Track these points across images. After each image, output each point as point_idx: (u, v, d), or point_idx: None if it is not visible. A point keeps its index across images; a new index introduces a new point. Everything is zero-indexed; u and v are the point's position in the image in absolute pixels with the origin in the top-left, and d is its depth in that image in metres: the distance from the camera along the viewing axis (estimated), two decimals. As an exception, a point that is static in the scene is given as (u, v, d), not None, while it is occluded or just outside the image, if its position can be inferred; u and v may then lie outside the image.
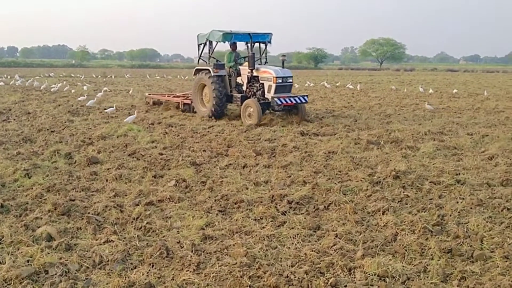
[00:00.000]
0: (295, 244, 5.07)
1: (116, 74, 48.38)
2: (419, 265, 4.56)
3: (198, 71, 14.75)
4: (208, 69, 14.19)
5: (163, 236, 5.32)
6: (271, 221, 5.77)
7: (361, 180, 7.42)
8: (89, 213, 5.92)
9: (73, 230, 5.44)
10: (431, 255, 4.79)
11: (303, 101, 13.53)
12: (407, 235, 5.30)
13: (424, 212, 6.07)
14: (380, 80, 39.88)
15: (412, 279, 4.27)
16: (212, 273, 4.33)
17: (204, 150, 9.73)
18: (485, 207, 6.25)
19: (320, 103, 20.08)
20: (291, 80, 13.66)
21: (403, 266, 4.48)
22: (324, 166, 8.47)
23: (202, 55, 15.44)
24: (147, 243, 5.11)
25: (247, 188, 7.07)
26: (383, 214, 5.97)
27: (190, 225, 5.59)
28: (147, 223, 5.64)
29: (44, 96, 21.27)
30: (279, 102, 13.03)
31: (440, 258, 4.70)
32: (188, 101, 15.80)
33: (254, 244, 5.04)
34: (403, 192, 6.84)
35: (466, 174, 7.90)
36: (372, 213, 6.09)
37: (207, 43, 14.75)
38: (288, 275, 4.29)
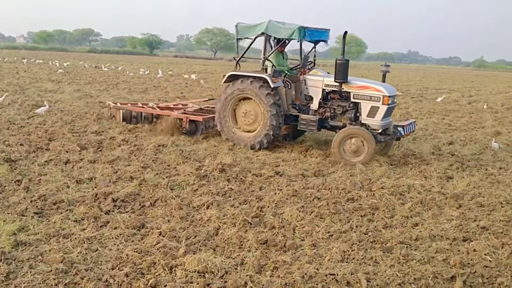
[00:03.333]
0: (117, 245, 4.98)
1: None
2: (237, 258, 4.81)
3: (235, 77, 9.96)
4: (262, 78, 9.55)
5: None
6: (93, 222, 5.56)
7: (189, 174, 7.54)
8: None
9: None
10: (249, 247, 5.09)
11: (413, 129, 9.99)
12: (229, 228, 5.56)
13: (246, 204, 6.42)
14: (213, 70, 40.75)
15: (230, 273, 4.49)
16: (24, 283, 4.05)
17: (21, 144, 8.92)
18: (299, 197, 6.83)
19: (153, 92, 19.82)
20: (396, 100, 9.79)
21: (222, 260, 4.69)
22: (153, 160, 8.42)
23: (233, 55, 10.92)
24: None
25: (68, 187, 6.69)
26: (207, 208, 6.16)
27: (0, 230, 5.12)
28: None
29: None
30: (403, 132, 9.29)
31: (256, 249, 5.03)
32: (199, 118, 10.75)
33: (73, 248, 4.82)
34: (228, 185, 7.15)
35: (284, 166, 8.54)
36: (197, 207, 6.25)
37: (262, 38, 9.87)
38: (108, 279, 4.21)
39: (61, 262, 4.44)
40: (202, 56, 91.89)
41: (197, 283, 4.22)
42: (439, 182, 7.87)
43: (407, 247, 5.26)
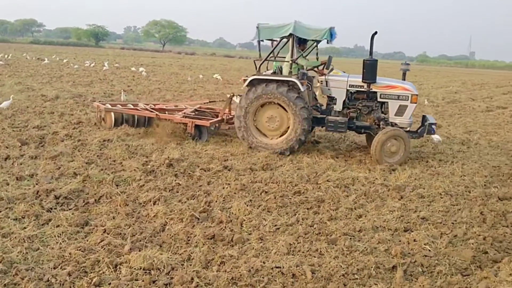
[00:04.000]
0: (60, 244, 4.84)
1: None
2: (184, 254, 4.80)
3: (259, 82, 9.32)
4: (290, 81, 9.16)
5: None
6: (34, 220, 5.38)
7: (135, 169, 7.42)
8: None
9: None
10: (196, 242, 5.08)
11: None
12: (176, 224, 5.53)
13: (193, 199, 6.39)
14: (162, 63, 40.18)
15: (176, 269, 4.47)
16: (-41, 287, 3.87)
17: (-44, 140, 8.51)
18: (247, 191, 6.87)
19: (99, 85, 19.32)
20: None
21: (169, 257, 4.66)
22: (97, 155, 8.22)
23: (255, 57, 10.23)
24: None
25: (8, 184, 6.44)
26: (154, 204, 6.10)
27: None
28: None
29: None
30: (434, 129, 9.54)
31: (204, 244, 5.02)
32: (205, 123, 10.01)
33: (12, 247, 4.66)
34: (175, 181, 7.09)
35: (233, 160, 8.55)
36: (144, 203, 6.17)
37: (287, 40, 9.52)
38: (49, 278, 4.10)
39: (0, 262, 4.28)
40: (150, 49, 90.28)
41: (142, 280, 4.18)
42: (382, 174, 8.12)
43: (350, 238, 5.40)
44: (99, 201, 6.16)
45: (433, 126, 9.36)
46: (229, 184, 7.14)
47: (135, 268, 4.38)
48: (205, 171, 7.73)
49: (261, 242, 5.22)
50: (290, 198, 6.67)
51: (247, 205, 6.24)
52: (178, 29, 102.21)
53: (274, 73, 9.80)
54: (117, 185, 6.79)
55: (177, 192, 6.71)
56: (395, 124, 9.37)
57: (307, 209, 6.35)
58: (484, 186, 7.79)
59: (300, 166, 8.35)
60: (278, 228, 5.63)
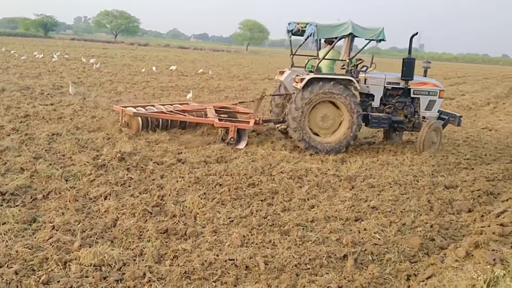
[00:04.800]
0: (6, 242, 4.67)
1: None
2: (136, 249, 4.73)
3: (313, 81, 9.20)
4: (346, 79, 9.37)
5: None
6: (-23, 218, 5.17)
7: (85, 164, 7.24)
8: None
9: None
10: (149, 237, 5.03)
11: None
12: (128, 219, 5.44)
13: (146, 193, 6.31)
14: (113, 54, 39.25)
15: (128, 264, 4.41)
16: None
17: None
18: (201, 184, 6.84)
19: (48, 77, 18.68)
20: None
21: (120, 252, 4.59)
22: (46, 150, 7.96)
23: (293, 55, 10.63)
24: None
25: (-51, 181, 6.16)
26: (105, 199, 5.98)
27: None
28: None
29: None
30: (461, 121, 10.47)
31: (156, 239, 4.97)
32: (249, 126, 9.65)
33: (-46, 248, 4.46)
34: (127, 175, 6.96)
35: (187, 153, 8.47)
36: (94, 199, 6.04)
37: (343, 39, 9.78)
38: (-5, 278, 3.95)
39: None
40: (102, 40, 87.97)
41: (93, 277, 4.10)
42: (334, 165, 8.27)
43: (303, 229, 5.48)
44: (47, 197, 5.98)
45: (461, 119, 10.36)
46: (183, 177, 7.08)
47: (85, 265, 4.29)
48: (158, 164, 7.63)
49: (215, 235, 5.22)
50: (244, 190, 6.69)
51: (201, 198, 6.22)
52: (130, 20, 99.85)
53: (310, 71, 9.82)
54: (66, 180, 6.61)
55: (129, 186, 6.60)
56: (424, 118, 10.08)
57: (261, 201, 6.40)
58: (431, 175, 8.06)
59: (255, 158, 8.38)
60: (232, 221, 5.65)
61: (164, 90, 17.39)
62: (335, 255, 4.88)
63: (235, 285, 4.22)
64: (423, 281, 4.44)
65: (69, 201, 5.80)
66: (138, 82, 19.35)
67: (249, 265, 4.51)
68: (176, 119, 10.01)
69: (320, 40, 9.97)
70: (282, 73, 10.57)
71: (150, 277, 4.18)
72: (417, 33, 9.85)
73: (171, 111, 10.23)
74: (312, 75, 9.23)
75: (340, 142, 9.40)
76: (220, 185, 6.87)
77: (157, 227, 5.22)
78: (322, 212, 6.00)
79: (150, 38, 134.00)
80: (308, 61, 10.23)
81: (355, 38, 9.51)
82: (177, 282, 4.20)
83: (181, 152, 8.48)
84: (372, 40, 9.43)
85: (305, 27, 9.39)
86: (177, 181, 6.88)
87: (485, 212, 6.42)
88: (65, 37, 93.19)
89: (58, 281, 4.01)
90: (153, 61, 33.05)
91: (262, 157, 8.44)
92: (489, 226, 5.71)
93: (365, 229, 5.58)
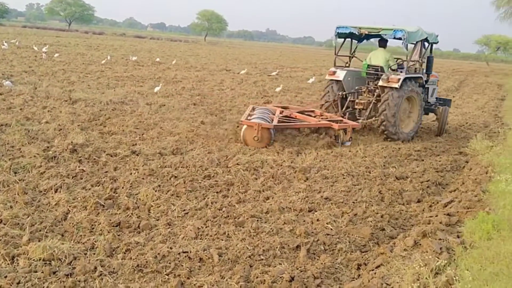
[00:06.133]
0: (-51, 237, 4.50)
1: None
2: (87, 243, 4.66)
3: (409, 80, 10.58)
4: (420, 77, 11.12)
5: None
6: None
7: (35, 155, 7.04)
8: None
9: None
10: (101, 230, 4.95)
11: None
12: (79, 212, 5.34)
13: (98, 186, 6.20)
14: (67, 43, 38.07)
15: (78, 258, 4.32)
16: None
17: None
18: (156, 177, 6.77)
19: (-4, 66, 17.96)
20: None
21: (71, 246, 4.50)
22: (-7, 141, 7.69)
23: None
24: None
25: None
26: (55, 192, 5.84)
27: None
28: None
29: None
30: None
31: (108, 232, 4.90)
32: (358, 125, 10.34)
33: None
34: (79, 167, 6.81)
35: (141, 144, 8.35)
36: (44, 191, 5.89)
37: (417, 44, 10.88)
38: None
39: None
40: (55, 27, 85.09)
41: (42, 272, 4.01)
42: (290, 157, 8.35)
43: (258, 220, 5.52)
44: (-6, 190, 5.78)
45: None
46: (137, 169, 6.98)
47: (34, 260, 4.18)
48: (111, 156, 7.50)
49: (169, 228, 5.19)
50: (200, 182, 6.67)
51: (156, 191, 6.16)
52: (85, 7, 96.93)
53: (376, 70, 11.12)
54: (15, 173, 6.41)
55: (81, 179, 6.47)
56: (429, 103, 12.03)
57: (217, 192, 6.40)
58: (383, 167, 8.27)
59: (211, 150, 8.36)
60: (187, 213, 5.63)
61: (119, 80, 17.05)
62: (288, 245, 4.94)
63: (188, 278, 4.21)
64: (372, 270, 4.57)
65: (18, 194, 5.63)
66: (92, 71, 18.88)
67: (203, 257, 4.51)
68: (319, 126, 10.06)
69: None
70: (333, 73, 11.46)
71: (101, 271, 4.12)
72: (437, 36, 11.52)
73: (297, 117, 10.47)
74: (404, 75, 10.37)
75: (414, 130, 11.07)
76: (175, 177, 6.82)
77: (110, 220, 5.14)
78: (277, 204, 6.06)
79: (105, 26, 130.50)
80: (365, 61, 11.56)
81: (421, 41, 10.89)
82: (129, 275, 4.16)
83: (136, 144, 8.36)
84: (434, 43, 11.44)
85: (371, 31, 10.95)
86: (131, 173, 6.79)
87: (433, 202, 6.67)
88: (17, 24, 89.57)
89: (5, 277, 3.90)
90: (108, 50, 32.32)
91: (218, 149, 8.43)
92: (436, 216, 5.93)
93: (318, 220, 5.67)
